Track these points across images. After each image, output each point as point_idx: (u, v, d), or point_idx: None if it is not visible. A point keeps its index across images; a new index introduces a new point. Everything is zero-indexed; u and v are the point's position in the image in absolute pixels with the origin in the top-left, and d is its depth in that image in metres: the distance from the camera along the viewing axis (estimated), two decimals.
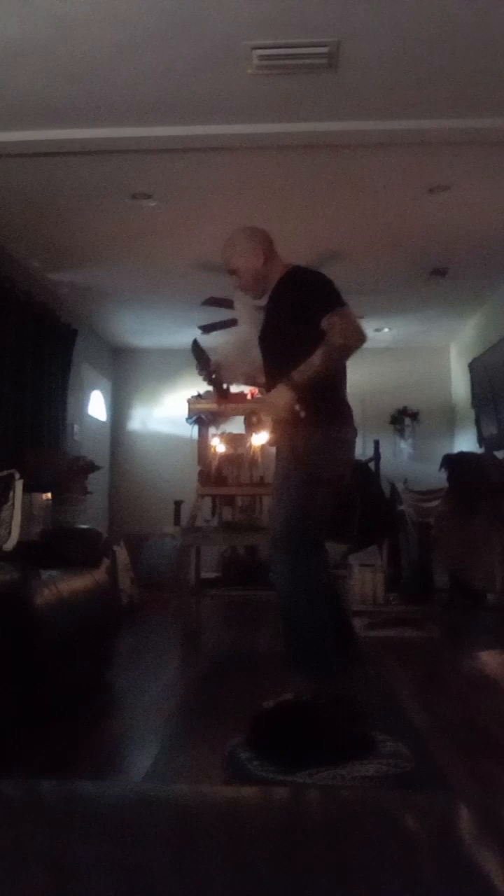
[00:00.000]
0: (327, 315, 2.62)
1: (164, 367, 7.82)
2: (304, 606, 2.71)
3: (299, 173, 3.96)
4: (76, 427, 6.46)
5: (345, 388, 2.88)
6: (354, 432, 2.90)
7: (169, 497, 6.82)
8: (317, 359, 2.58)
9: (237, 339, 3.02)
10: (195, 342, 3.03)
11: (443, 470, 5.50)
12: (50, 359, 5.47)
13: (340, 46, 2.84)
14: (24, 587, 2.55)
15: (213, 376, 2.96)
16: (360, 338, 2.63)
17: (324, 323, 2.62)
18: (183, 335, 7.04)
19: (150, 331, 7.20)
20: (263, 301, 2.94)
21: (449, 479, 5.41)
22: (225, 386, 2.97)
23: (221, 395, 2.98)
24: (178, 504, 6.68)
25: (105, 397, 7.66)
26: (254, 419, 3.09)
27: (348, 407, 2.87)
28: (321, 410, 2.70)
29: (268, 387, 2.87)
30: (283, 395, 2.63)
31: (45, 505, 4.12)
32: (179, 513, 6.63)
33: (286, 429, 2.72)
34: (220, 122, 3.39)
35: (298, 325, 2.67)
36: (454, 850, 0.64)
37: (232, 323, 5.80)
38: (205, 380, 3.00)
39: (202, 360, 2.98)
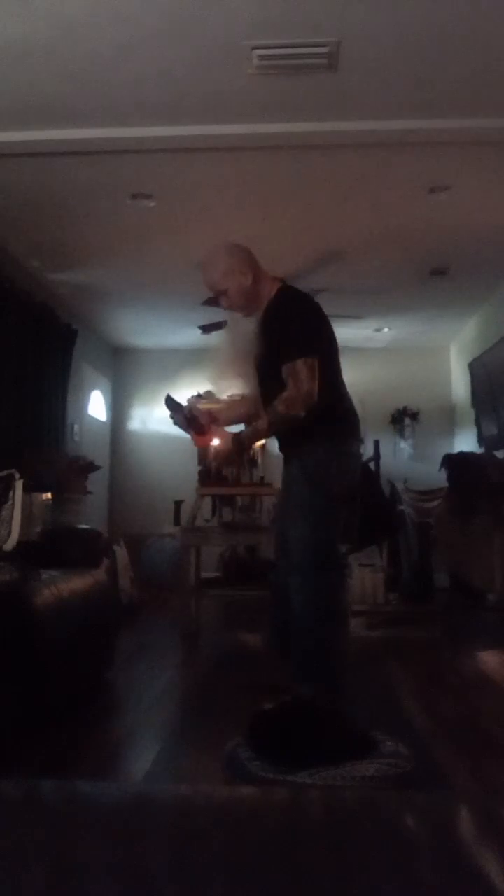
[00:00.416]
0: (286, 364, 2.60)
1: (164, 367, 7.81)
2: (323, 627, 2.65)
3: (299, 173, 3.95)
4: (76, 427, 6.46)
5: (348, 396, 2.84)
6: (360, 443, 2.89)
7: (169, 497, 6.82)
8: (263, 424, 2.72)
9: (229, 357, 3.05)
10: (167, 397, 3.09)
11: (443, 470, 5.50)
12: (50, 359, 5.47)
13: (340, 46, 2.84)
14: (24, 587, 2.55)
15: (189, 416, 2.98)
16: (304, 406, 2.57)
17: (283, 371, 2.60)
18: (183, 335, 7.04)
19: (150, 331, 7.20)
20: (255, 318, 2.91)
21: (449, 479, 5.42)
22: (203, 423, 2.99)
23: (199, 432, 3.00)
24: (178, 504, 6.68)
25: (105, 397, 7.66)
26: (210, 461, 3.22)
27: (355, 416, 2.83)
28: (328, 425, 2.67)
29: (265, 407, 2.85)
30: (228, 449, 2.83)
31: (45, 505, 4.13)
32: (179, 513, 6.63)
33: (294, 445, 2.73)
34: (220, 122, 3.38)
35: (276, 359, 2.66)
36: (454, 850, 0.64)
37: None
38: (182, 427, 3.03)
39: (175, 409, 3.01)
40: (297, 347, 2.61)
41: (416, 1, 2.60)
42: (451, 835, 0.67)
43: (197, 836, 0.68)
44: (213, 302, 5.45)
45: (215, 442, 2.96)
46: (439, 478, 5.59)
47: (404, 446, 7.56)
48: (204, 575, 5.18)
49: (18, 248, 4.93)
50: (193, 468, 5.75)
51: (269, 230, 4.58)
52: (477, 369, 6.34)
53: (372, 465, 5.76)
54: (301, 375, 2.57)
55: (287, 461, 2.81)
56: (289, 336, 2.64)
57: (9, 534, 3.20)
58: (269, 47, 2.84)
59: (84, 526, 3.99)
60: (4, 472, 3.35)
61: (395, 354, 7.64)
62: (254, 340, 2.83)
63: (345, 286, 5.55)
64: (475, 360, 6.37)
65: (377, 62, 2.95)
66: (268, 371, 2.74)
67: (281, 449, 2.88)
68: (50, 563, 2.97)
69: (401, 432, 7.62)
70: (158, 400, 7.81)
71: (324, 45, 2.82)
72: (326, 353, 2.72)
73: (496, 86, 3.10)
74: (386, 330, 7.05)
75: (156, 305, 6.38)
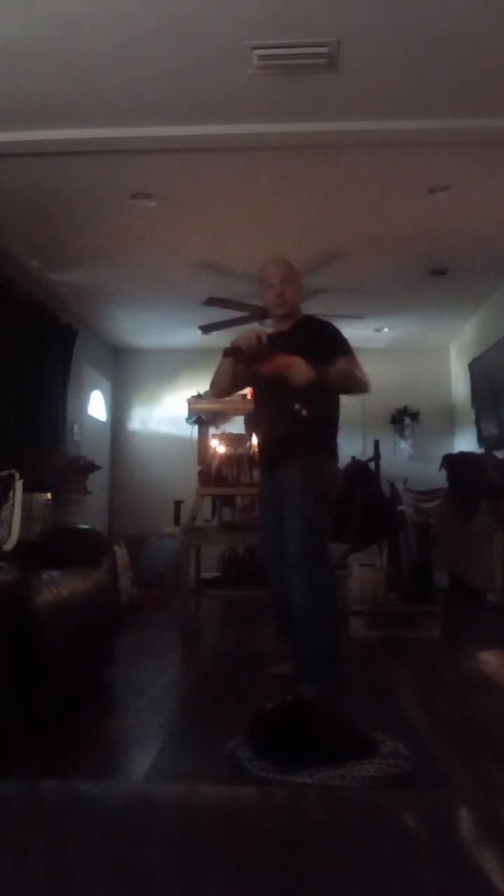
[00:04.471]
0: (345, 357, 2.99)
1: (164, 367, 7.81)
2: (324, 619, 2.90)
3: (299, 173, 3.95)
4: (76, 427, 6.46)
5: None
6: None
7: (169, 497, 6.82)
8: (340, 373, 2.93)
9: None
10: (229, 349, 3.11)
11: (443, 470, 5.49)
12: (50, 359, 5.47)
13: (340, 46, 2.84)
14: (24, 587, 2.55)
15: (251, 350, 3.04)
16: (368, 385, 3.02)
17: (341, 363, 2.96)
18: (183, 335, 7.04)
19: (150, 331, 7.20)
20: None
21: (449, 479, 5.41)
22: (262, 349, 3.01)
23: (264, 360, 2.98)
24: (178, 504, 6.68)
25: (105, 397, 7.65)
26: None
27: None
28: (329, 440, 3.09)
29: (272, 402, 3.12)
30: (307, 369, 2.84)
31: (45, 505, 4.12)
32: (179, 513, 6.63)
33: (297, 456, 2.98)
34: (220, 122, 3.38)
35: (316, 357, 2.91)
36: (454, 850, 0.64)
37: (232, 323, 5.80)
38: (244, 364, 3.12)
39: (233, 353, 3.08)
40: (350, 348, 3.04)
41: (416, 1, 2.60)
42: (451, 835, 0.67)
43: (197, 836, 0.68)
44: (213, 302, 5.47)
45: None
46: (439, 478, 5.58)
47: (404, 446, 7.56)
48: (204, 575, 5.18)
49: (18, 248, 4.92)
50: (193, 468, 5.74)
51: (269, 230, 4.58)
52: (477, 369, 6.34)
53: (372, 465, 5.77)
54: (362, 366, 3.02)
55: (285, 465, 3.02)
56: (341, 340, 3.06)
57: (9, 534, 3.20)
58: (269, 47, 2.84)
59: (84, 526, 3.99)
60: (4, 472, 3.35)
61: (395, 354, 7.64)
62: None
63: (345, 286, 5.55)
64: (475, 360, 6.37)
65: (377, 62, 2.95)
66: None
67: (278, 454, 3.07)
68: (50, 563, 2.96)
69: (401, 432, 7.61)
70: (158, 400, 7.89)
71: (324, 45, 2.82)
72: None
73: (496, 86, 3.10)
74: (386, 330, 7.04)
75: (156, 305, 6.38)
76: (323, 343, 3.02)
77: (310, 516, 2.95)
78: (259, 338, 3.01)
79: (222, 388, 3.27)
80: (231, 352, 3.07)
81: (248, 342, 3.00)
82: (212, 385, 3.31)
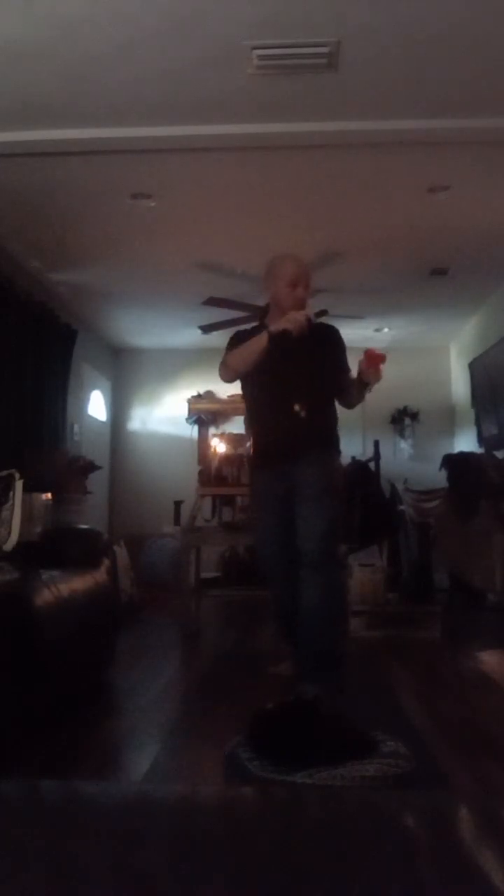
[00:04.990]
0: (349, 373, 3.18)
1: (164, 367, 7.81)
2: (331, 620, 2.90)
3: (299, 173, 3.95)
4: (76, 427, 6.46)
5: None
6: None
7: (169, 497, 6.82)
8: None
9: None
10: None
11: (443, 470, 5.50)
12: (50, 359, 5.47)
13: (340, 46, 2.83)
14: (24, 587, 2.55)
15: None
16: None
17: (347, 378, 3.18)
18: (183, 335, 7.04)
19: (150, 331, 7.20)
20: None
21: (449, 479, 5.41)
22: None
23: None
24: (178, 504, 6.68)
25: (105, 397, 7.65)
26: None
27: None
28: (338, 443, 3.15)
29: (271, 402, 3.10)
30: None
31: (45, 505, 4.12)
32: (179, 513, 6.63)
33: (312, 456, 2.99)
34: (220, 122, 3.38)
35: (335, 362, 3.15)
36: (454, 850, 0.64)
37: (232, 323, 5.80)
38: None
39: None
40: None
41: (416, 1, 2.60)
42: (451, 835, 0.67)
43: (197, 836, 0.68)
44: (213, 302, 5.47)
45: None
46: (439, 478, 5.58)
47: (404, 446, 7.56)
48: (204, 575, 5.18)
49: (18, 248, 4.92)
50: (193, 468, 5.76)
51: (269, 230, 4.58)
52: (477, 369, 6.34)
53: (372, 465, 5.77)
54: None
55: (299, 465, 2.98)
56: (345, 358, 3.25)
57: (9, 534, 3.20)
58: (269, 47, 2.84)
59: (84, 526, 3.99)
60: (4, 472, 3.35)
61: (395, 354, 7.58)
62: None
63: (345, 286, 5.55)
64: (475, 360, 6.37)
65: (377, 62, 2.95)
66: (321, 371, 3.10)
67: (287, 454, 3.01)
68: (50, 563, 2.96)
69: (401, 432, 7.61)
70: (158, 400, 7.89)
71: (324, 45, 2.82)
72: None
73: (496, 86, 3.10)
74: (386, 330, 7.04)
75: (156, 305, 6.38)
76: (341, 353, 3.22)
77: (332, 517, 2.95)
78: (309, 320, 2.95)
79: (237, 371, 3.08)
80: (280, 335, 2.91)
81: (299, 325, 2.89)
82: (226, 365, 3.09)
